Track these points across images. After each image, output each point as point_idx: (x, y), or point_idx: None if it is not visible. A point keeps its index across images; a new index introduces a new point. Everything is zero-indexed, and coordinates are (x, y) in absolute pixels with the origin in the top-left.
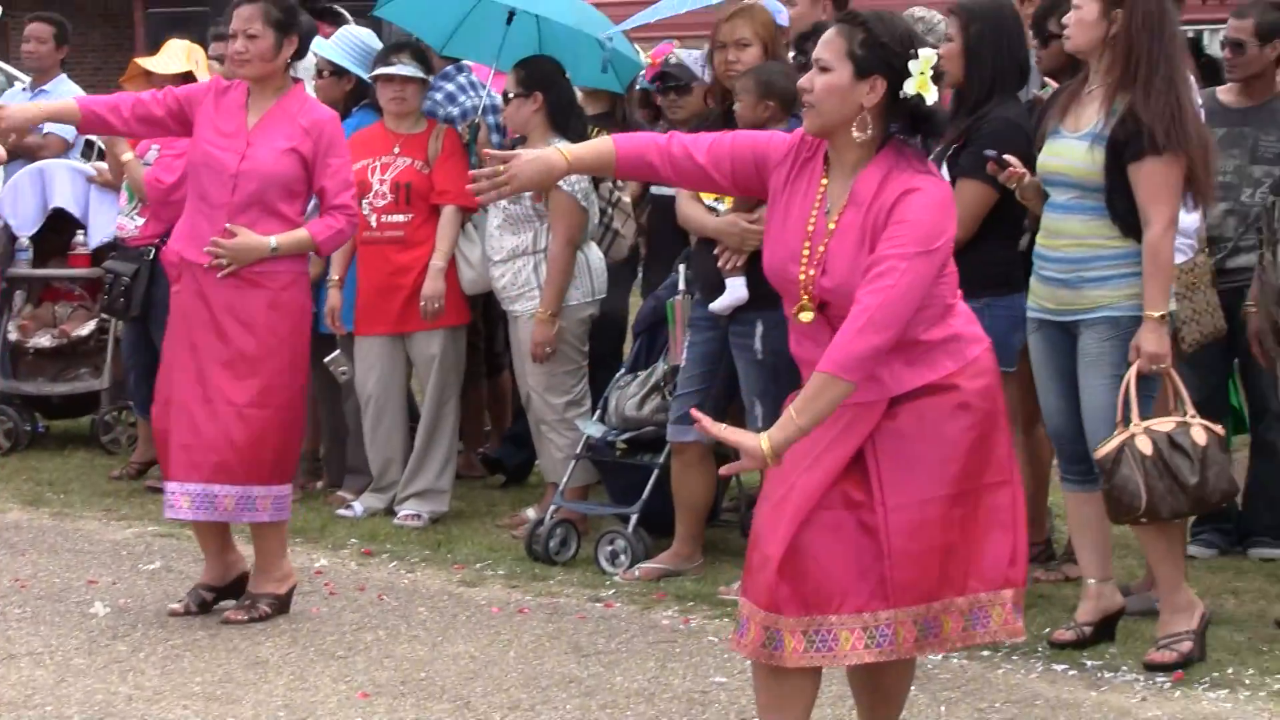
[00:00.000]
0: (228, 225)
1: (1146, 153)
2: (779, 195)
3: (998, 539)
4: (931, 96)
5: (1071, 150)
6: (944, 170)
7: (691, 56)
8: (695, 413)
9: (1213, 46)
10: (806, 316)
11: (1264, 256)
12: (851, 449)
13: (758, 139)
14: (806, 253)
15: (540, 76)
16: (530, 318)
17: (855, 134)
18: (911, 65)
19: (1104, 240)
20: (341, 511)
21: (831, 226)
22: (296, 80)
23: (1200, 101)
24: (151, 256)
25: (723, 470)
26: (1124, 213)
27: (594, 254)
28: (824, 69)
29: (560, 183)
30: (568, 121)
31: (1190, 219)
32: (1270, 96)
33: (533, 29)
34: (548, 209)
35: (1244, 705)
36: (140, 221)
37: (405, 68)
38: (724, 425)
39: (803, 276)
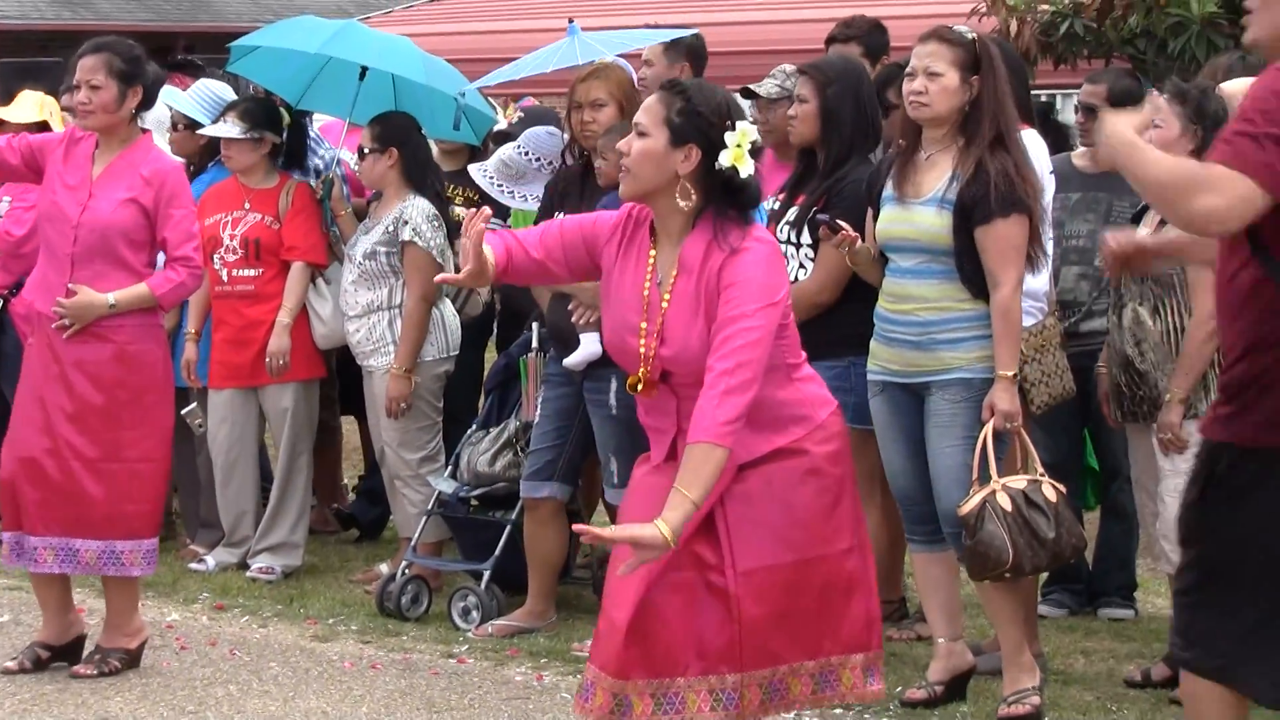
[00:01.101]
0: (70, 285)
1: (994, 215)
2: (611, 270)
3: (849, 604)
4: (746, 169)
5: (916, 216)
6: (804, 233)
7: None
8: (579, 527)
9: (1065, 113)
10: (647, 390)
11: (1111, 320)
12: (701, 511)
13: (584, 221)
14: (644, 325)
15: (395, 132)
16: (385, 373)
17: (679, 202)
18: (728, 137)
19: (955, 303)
20: (194, 565)
21: (666, 297)
22: (144, 131)
23: (1051, 167)
24: (0, 307)
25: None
26: (973, 275)
27: (449, 310)
28: (641, 134)
29: (415, 238)
30: (424, 178)
31: (1039, 282)
32: None
33: (387, 83)
34: (403, 265)
35: None
36: None
37: (225, 127)
38: (613, 527)
39: (642, 348)
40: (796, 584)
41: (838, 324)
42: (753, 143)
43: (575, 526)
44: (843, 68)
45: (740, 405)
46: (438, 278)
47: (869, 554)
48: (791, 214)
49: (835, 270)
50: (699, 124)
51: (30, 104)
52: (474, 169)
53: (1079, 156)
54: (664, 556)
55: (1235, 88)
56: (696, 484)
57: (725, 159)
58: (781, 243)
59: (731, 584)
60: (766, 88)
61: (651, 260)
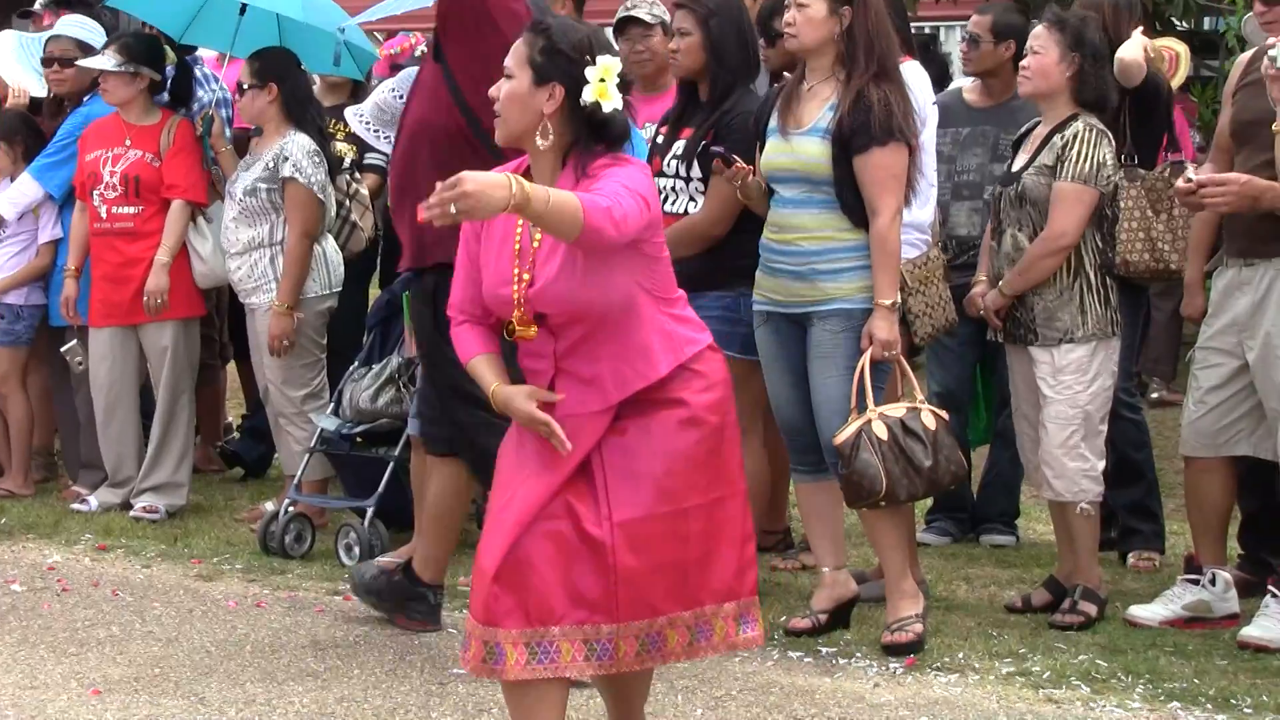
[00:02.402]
0: None
1: (872, 144)
2: (483, 230)
3: (724, 553)
4: (610, 104)
5: (798, 146)
6: (694, 167)
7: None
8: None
9: (947, 44)
10: (528, 332)
11: (990, 245)
12: (575, 459)
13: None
14: (516, 271)
15: (275, 68)
16: (268, 311)
17: (539, 141)
18: (589, 72)
19: (835, 233)
20: (76, 506)
21: (537, 238)
22: None
23: (934, 98)
24: None
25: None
26: (854, 205)
27: (331, 246)
28: (508, 77)
29: (295, 174)
30: (304, 113)
31: (923, 214)
32: (1010, 96)
33: (271, 17)
34: (284, 201)
35: (973, 689)
36: None
37: (102, 60)
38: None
39: (515, 293)
40: (673, 534)
41: (728, 255)
42: (619, 75)
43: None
44: (722, 0)
45: (610, 213)
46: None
47: (744, 500)
48: (679, 147)
49: (727, 203)
50: (560, 62)
51: None
52: (349, 113)
53: (969, 91)
54: (535, 503)
55: (1130, 54)
56: (550, 194)
57: (588, 95)
58: (670, 176)
59: (607, 534)
60: (642, 14)
61: None
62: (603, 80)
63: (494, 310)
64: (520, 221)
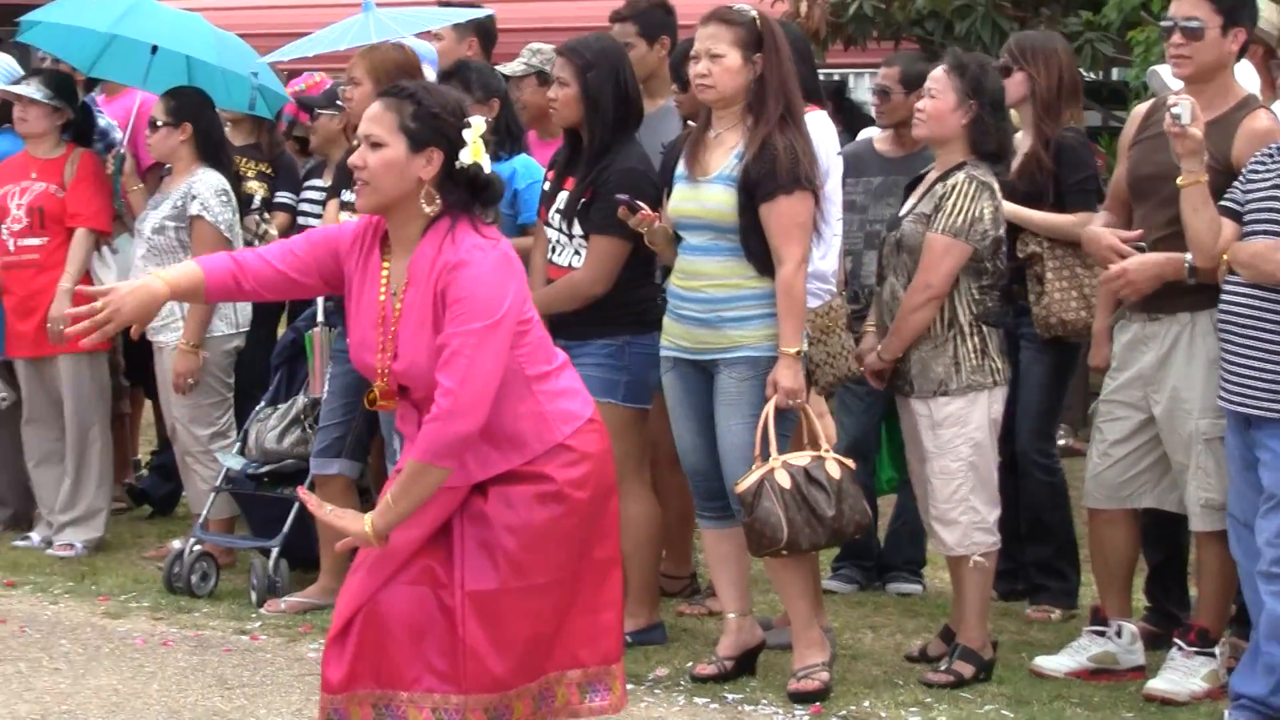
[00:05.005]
0: None
1: (778, 191)
2: (350, 284)
3: (575, 622)
4: (487, 164)
5: (705, 194)
6: (575, 225)
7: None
8: (301, 491)
9: (858, 91)
10: (385, 404)
11: (877, 293)
12: (432, 523)
13: (329, 234)
14: (381, 338)
15: (189, 107)
16: (174, 348)
17: (425, 207)
18: (466, 134)
19: (742, 280)
20: (17, 543)
21: (398, 308)
22: None
23: (838, 148)
24: None
25: (337, 546)
26: (759, 252)
27: None
28: (376, 144)
29: (204, 213)
30: (217, 153)
31: (826, 263)
32: (922, 146)
33: (180, 56)
34: (191, 239)
35: None
36: None
37: (29, 88)
38: (329, 507)
39: (378, 363)
40: (525, 610)
41: (612, 304)
42: (481, 136)
43: (300, 490)
44: (600, 49)
45: (463, 428)
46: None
47: (610, 568)
48: (561, 201)
49: (608, 261)
50: (437, 125)
51: None
52: None
53: (880, 141)
54: (394, 566)
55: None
56: (405, 498)
57: (466, 156)
58: (553, 229)
59: (459, 604)
60: (513, 66)
61: (386, 272)
62: (476, 141)
63: (357, 368)
64: (383, 283)
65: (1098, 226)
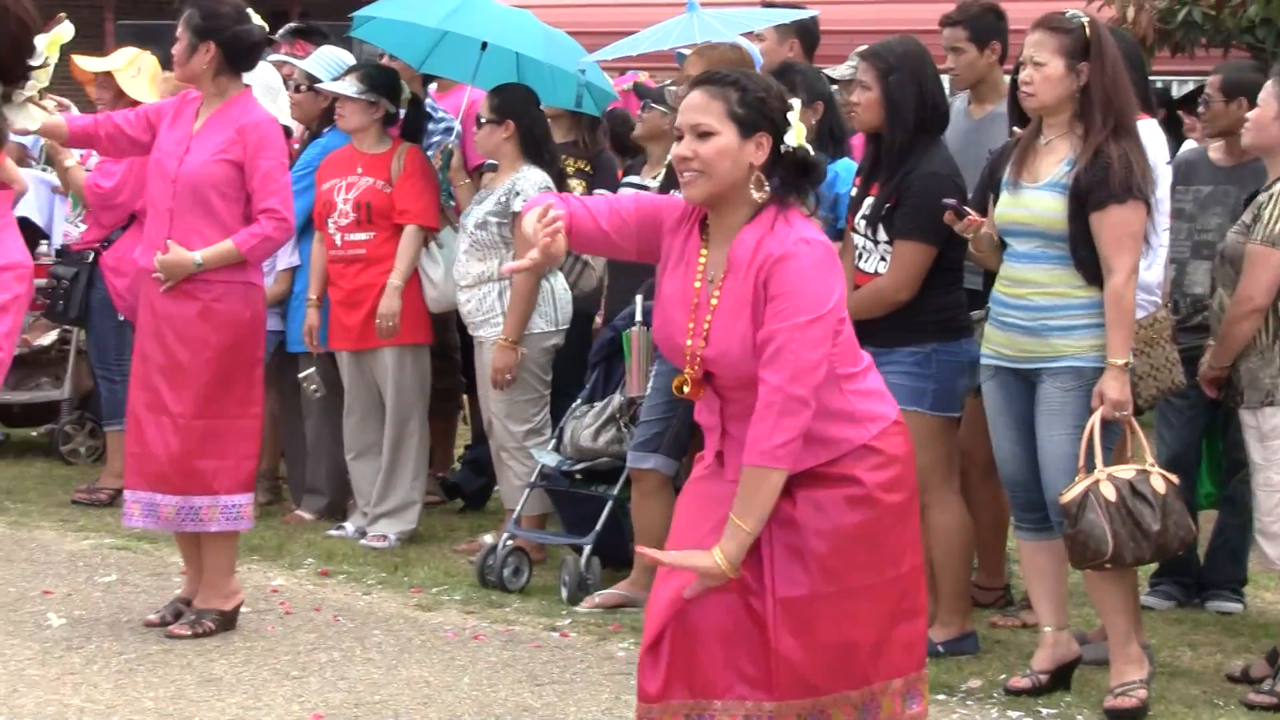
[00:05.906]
0: (168, 240)
1: (1110, 201)
2: (666, 262)
3: (895, 631)
4: (808, 146)
5: (1034, 201)
6: (880, 231)
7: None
8: (641, 549)
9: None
10: (693, 391)
11: (1211, 306)
12: None
13: (657, 202)
14: (692, 325)
15: (513, 105)
16: (494, 344)
17: (754, 194)
18: (790, 117)
19: (1069, 289)
20: (331, 532)
21: (715, 294)
22: (246, 86)
23: (1168, 157)
24: (91, 260)
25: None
26: (1088, 261)
27: (559, 284)
28: (705, 134)
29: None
30: (540, 151)
31: (1152, 274)
32: (1255, 156)
33: (510, 53)
34: (514, 236)
35: None
36: (84, 228)
37: (343, 85)
38: (672, 552)
39: (687, 350)
40: (839, 614)
41: (918, 311)
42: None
43: (637, 548)
44: (904, 52)
45: (795, 425)
46: (505, 268)
47: (918, 574)
48: (866, 207)
49: (912, 267)
50: (765, 109)
51: (121, 57)
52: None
53: (1214, 149)
54: None
55: None
56: (751, 513)
57: (791, 139)
58: (859, 235)
59: (770, 610)
60: (840, 70)
61: (703, 260)
62: (800, 124)
63: (662, 351)
64: (700, 268)
65: None
